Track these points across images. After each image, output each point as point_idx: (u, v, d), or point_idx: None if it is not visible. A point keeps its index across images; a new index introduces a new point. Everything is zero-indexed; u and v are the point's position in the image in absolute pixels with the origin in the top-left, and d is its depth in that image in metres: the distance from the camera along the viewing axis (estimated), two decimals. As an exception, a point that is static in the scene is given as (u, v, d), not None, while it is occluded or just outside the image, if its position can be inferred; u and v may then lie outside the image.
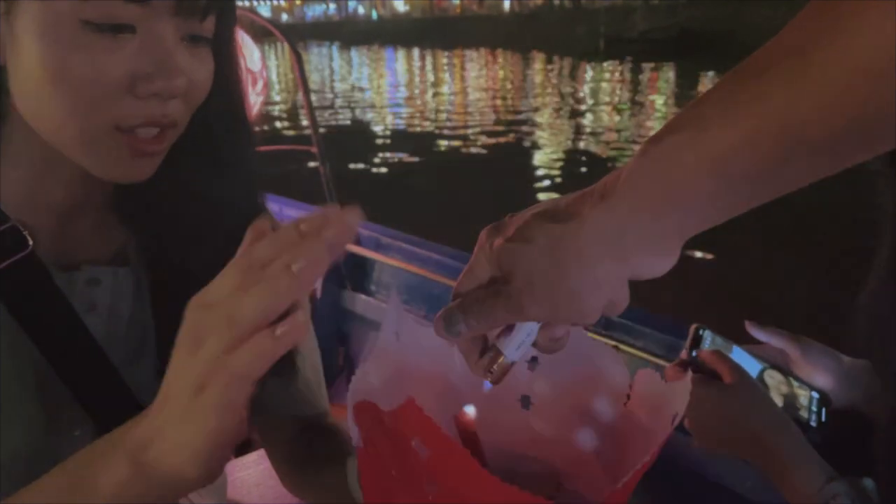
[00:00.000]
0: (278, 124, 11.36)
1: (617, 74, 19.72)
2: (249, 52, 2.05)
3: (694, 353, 0.87)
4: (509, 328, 0.45)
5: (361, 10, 66.51)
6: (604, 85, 17.49)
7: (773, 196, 0.37)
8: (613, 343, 1.55)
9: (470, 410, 0.51)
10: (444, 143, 10.01)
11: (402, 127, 11.67)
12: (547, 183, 7.70)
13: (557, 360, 0.51)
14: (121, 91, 0.53)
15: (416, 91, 17.23)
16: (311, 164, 2.17)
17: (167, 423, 0.41)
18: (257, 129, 0.70)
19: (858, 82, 0.32)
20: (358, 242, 2.08)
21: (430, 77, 20.78)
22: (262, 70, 2.06)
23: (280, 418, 0.79)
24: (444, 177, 8.04)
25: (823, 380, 0.88)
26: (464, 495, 0.40)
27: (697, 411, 0.83)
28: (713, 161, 0.36)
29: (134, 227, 0.67)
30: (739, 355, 0.89)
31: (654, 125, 11.14)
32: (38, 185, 0.60)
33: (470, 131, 10.86)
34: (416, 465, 0.41)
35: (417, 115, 13.05)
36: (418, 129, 10.81)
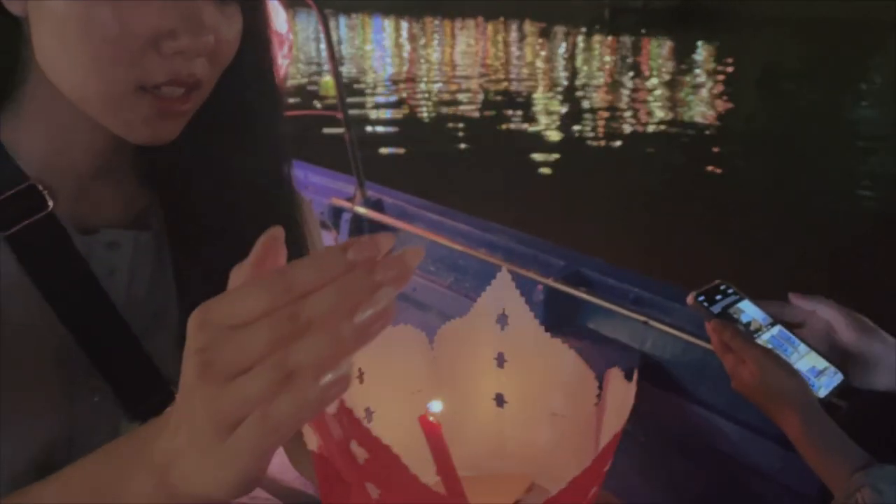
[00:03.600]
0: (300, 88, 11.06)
1: (626, 46, 19.51)
2: (276, 15, 2.01)
3: (712, 308, 0.92)
4: None
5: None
6: (607, 58, 17.32)
7: None
8: (643, 319, 1.56)
9: (435, 407, 0.50)
10: (432, 115, 9.86)
11: (387, 100, 11.42)
12: (541, 160, 7.64)
13: (527, 362, 0.51)
14: (145, 48, 0.52)
15: (405, 62, 16.95)
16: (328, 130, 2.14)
17: (190, 450, 0.37)
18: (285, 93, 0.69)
19: None
20: (382, 210, 2.07)
21: (421, 50, 20.44)
22: (288, 32, 2.02)
23: None
24: (435, 151, 7.92)
25: (868, 359, 0.89)
26: (401, 499, 0.39)
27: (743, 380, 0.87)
28: None
29: (156, 190, 0.66)
30: (749, 308, 0.93)
31: (652, 101, 11.08)
32: (60, 146, 0.59)
33: (462, 107, 10.72)
34: (359, 468, 0.39)
35: (404, 87, 12.82)
36: (403, 106, 10.59)
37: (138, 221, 0.64)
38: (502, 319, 0.51)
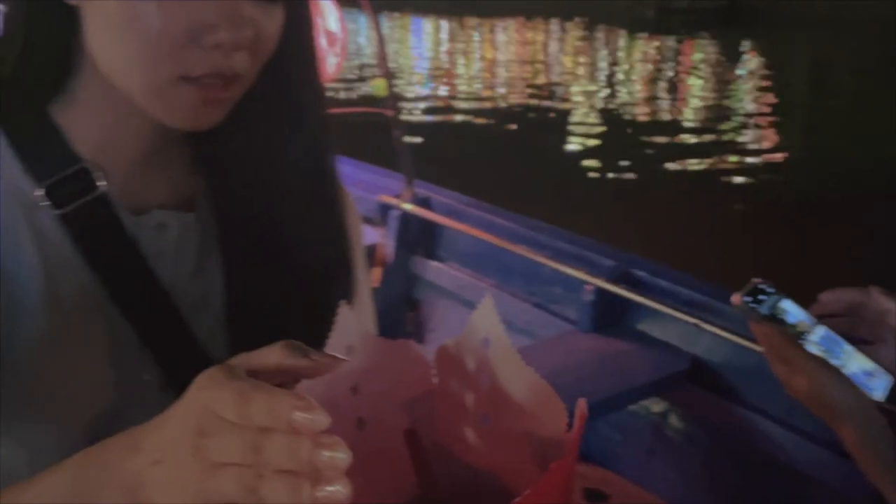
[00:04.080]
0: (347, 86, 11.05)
1: (671, 46, 19.20)
2: (330, 13, 2.04)
3: (757, 307, 0.88)
4: None
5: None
6: (650, 55, 17.06)
7: None
8: (694, 321, 1.54)
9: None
10: (471, 117, 9.79)
11: (427, 97, 11.38)
12: (581, 157, 7.52)
13: (506, 386, 0.52)
14: (186, 42, 0.53)
15: (444, 61, 16.89)
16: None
17: (165, 485, 0.40)
18: (337, 88, 0.69)
19: None
20: (429, 208, 2.08)
21: (460, 47, 20.37)
22: (340, 31, 2.05)
23: None
24: (471, 149, 7.84)
25: None
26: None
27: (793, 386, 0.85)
28: None
29: (203, 175, 0.67)
30: (791, 308, 0.89)
31: (693, 101, 10.84)
32: (112, 131, 0.61)
33: (500, 104, 10.62)
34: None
35: (443, 86, 12.77)
36: (441, 104, 10.52)
37: (185, 205, 0.66)
38: (486, 342, 0.52)
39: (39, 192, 0.58)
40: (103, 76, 0.58)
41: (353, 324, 0.51)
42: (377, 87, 1.95)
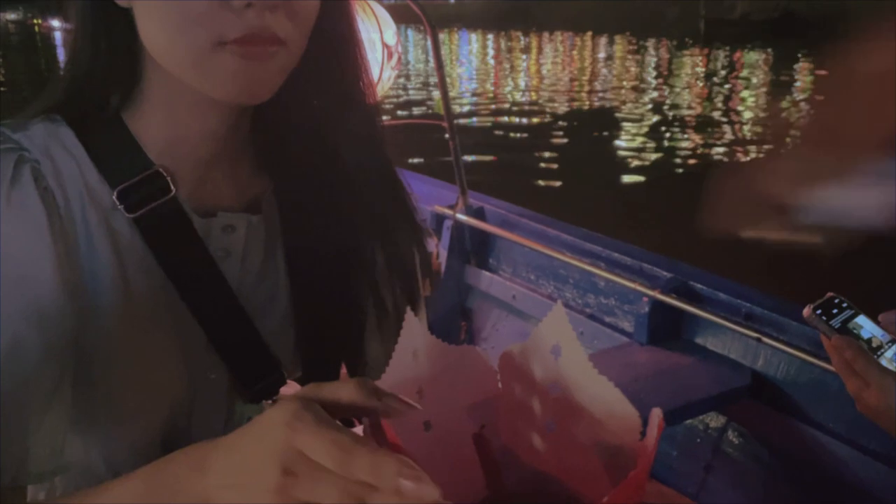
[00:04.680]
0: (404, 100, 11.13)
1: (721, 59, 18.85)
2: (387, 27, 2.07)
3: (831, 322, 0.87)
4: None
5: (430, -6, 65.48)
6: (698, 69, 16.80)
7: None
8: (755, 336, 1.51)
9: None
10: (518, 134, 9.75)
11: (472, 112, 11.37)
12: (631, 172, 7.44)
13: (576, 394, 0.52)
14: (217, 5, 0.55)
15: (490, 77, 16.87)
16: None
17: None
18: (392, 101, 0.71)
19: None
20: (483, 218, 2.09)
21: (506, 64, 20.32)
22: (397, 45, 2.08)
23: None
24: (520, 166, 7.81)
25: None
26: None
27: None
28: None
29: (268, 177, 0.69)
30: (866, 323, 0.87)
31: (746, 112, 10.61)
32: (180, 133, 0.63)
33: (548, 118, 10.57)
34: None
35: (490, 101, 12.75)
36: (490, 119, 10.51)
37: (251, 207, 0.68)
38: (556, 350, 0.52)
39: (114, 197, 0.61)
40: (166, 77, 0.60)
41: (419, 329, 0.52)
42: (439, 105, 1.98)
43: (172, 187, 0.62)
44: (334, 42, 0.65)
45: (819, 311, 0.89)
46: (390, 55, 2.08)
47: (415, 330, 0.51)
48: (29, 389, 0.55)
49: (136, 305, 0.61)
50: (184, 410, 0.65)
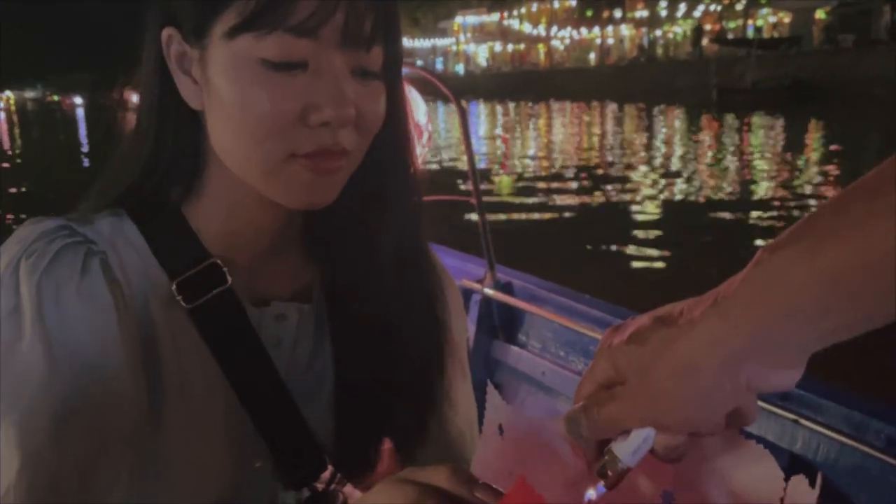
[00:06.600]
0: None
1: (733, 127, 19.04)
2: (417, 106, 2.14)
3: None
4: (626, 432, 0.44)
5: (440, 66, 66.97)
6: (705, 138, 16.97)
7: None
8: (793, 417, 1.49)
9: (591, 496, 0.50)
10: (528, 200, 9.79)
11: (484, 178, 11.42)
12: (641, 241, 7.43)
13: (705, 460, 0.49)
14: (295, 121, 0.57)
15: (499, 145, 17.06)
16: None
17: None
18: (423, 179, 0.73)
19: None
20: (511, 293, 2.10)
21: (517, 132, 20.60)
22: (427, 124, 2.15)
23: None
24: (529, 233, 7.84)
25: None
26: None
27: None
28: (825, 276, 0.35)
29: (318, 266, 0.71)
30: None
31: (761, 182, 10.61)
32: (237, 226, 0.65)
33: (555, 184, 10.63)
34: None
35: (497, 168, 12.86)
36: (499, 187, 10.56)
37: (302, 294, 0.70)
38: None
39: (173, 288, 0.63)
40: (228, 174, 0.63)
41: (501, 403, 0.52)
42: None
43: (228, 278, 0.64)
44: (390, 144, 0.68)
45: None
46: (420, 134, 2.15)
47: (498, 404, 0.52)
48: (97, 473, 0.56)
49: (190, 392, 0.63)
50: (229, 498, 0.65)
